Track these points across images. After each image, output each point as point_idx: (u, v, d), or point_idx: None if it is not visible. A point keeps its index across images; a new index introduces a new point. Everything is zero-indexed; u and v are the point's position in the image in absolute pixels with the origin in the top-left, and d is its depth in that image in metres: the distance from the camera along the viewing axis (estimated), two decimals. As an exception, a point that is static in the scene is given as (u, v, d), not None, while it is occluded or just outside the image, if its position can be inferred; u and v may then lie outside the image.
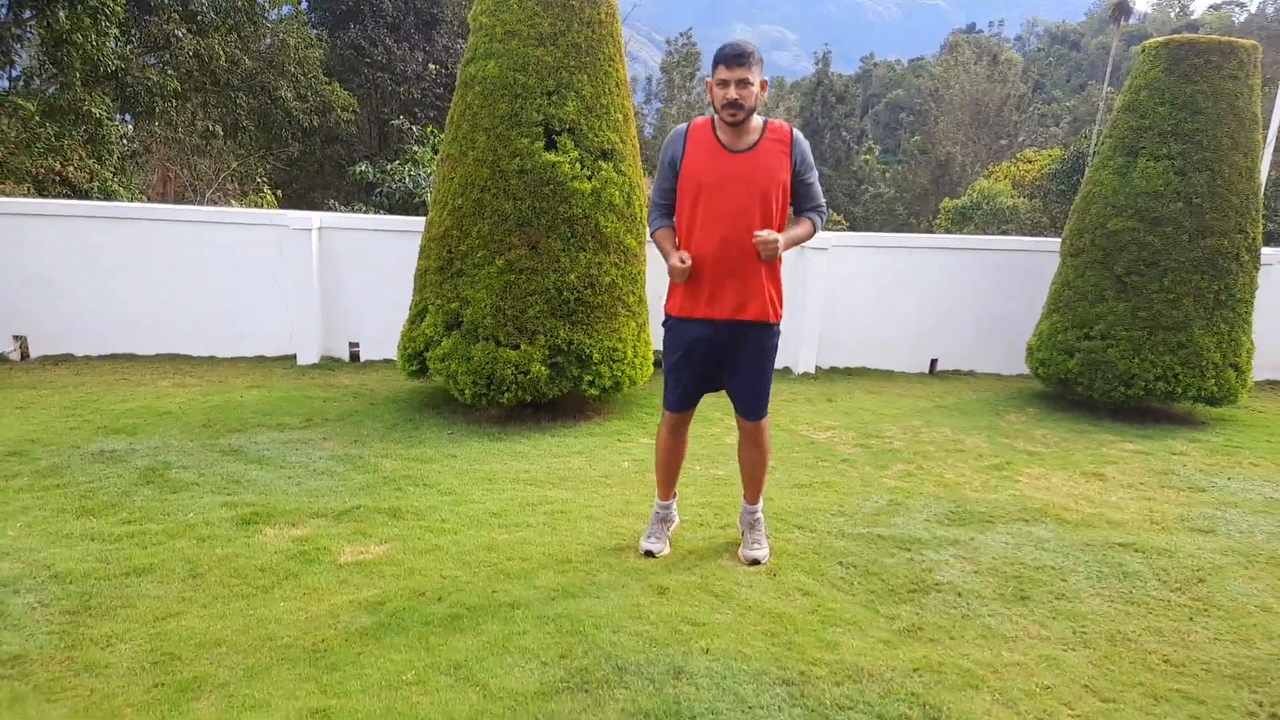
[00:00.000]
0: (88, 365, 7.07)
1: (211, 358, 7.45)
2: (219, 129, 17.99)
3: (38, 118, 13.04)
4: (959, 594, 3.47)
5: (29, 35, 13.95)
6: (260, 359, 7.50)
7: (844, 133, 46.21)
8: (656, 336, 6.13)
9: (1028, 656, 3.02)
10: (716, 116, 3.42)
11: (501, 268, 5.46)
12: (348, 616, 3.09)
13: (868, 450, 5.52)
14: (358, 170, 14.91)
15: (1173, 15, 76.23)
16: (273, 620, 3.04)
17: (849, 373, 7.99)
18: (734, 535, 3.93)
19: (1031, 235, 24.99)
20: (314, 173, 23.09)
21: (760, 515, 3.84)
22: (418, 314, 5.89)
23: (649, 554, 3.68)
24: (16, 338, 7.22)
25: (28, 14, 13.66)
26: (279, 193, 19.56)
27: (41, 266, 7.16)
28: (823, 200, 3.63)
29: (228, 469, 4.62)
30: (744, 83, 3.26)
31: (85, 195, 12.97)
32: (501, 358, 5.43)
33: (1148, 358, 6.29)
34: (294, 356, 7.47)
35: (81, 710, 2.51)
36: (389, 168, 14.76)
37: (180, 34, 15.54)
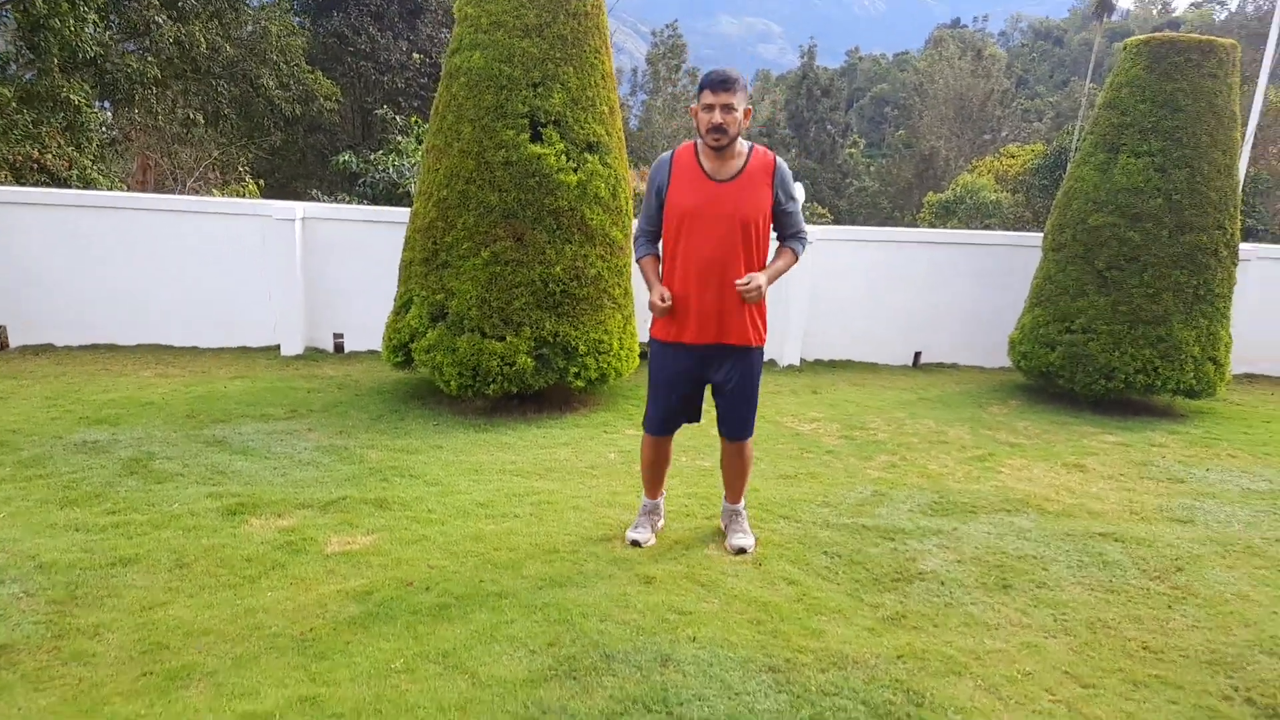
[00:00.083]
0: (68, 355, 7.01)
1: (194, 348, 7.40)
2: (200, 117, 17.79)
3: (14, 104, 12.86)
4: (942, 583, 3.51)
5: (5, 20, 13.74)
6: (244, 349, 7.46)
7: (829, 126, 46.26)
8: (642, 328, 6.16)
9: (1009, 644, 3.06)
10: (700, 142, 3.44)
11: (487, 259, 5.46)
12: (335, 606, 3.09)
13: (852, 442, 5.57)
14: (341, 160, 14.82)
15: (1155, 12, 76.74)
16: (260, 610, 3.04)
17: (834, 365, 8.04)
18: (720, 525, 3.96)
19: (1014, 229, 25.17)
20: (296, 162, 22.90)
21: (743, 511, 3.88)
22: (403, 305, 5.88)
23: (635, 543, 3.71)
24: (-5, 327, 7.15)
25: (4, -1, 13.46)
26: (261, 182, 19.39)
27: (21, 255, 7.09)
28: (804, 228, 3.69)
29: (212, 460, 4.60)
30: (728, 108, 3.30)
31: (64, 183, 12.82)
32: (487, 349, 5.43)
33: (1128, 351, 6.36)
34: (278, 347, 7.43)
35: (70, 699, 2.51)
36: (372, 158, 14.67)
37: (160, 20, 15.35)
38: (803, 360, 7.98)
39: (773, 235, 3.61)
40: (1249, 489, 4.94)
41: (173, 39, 15.73)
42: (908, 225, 34.32)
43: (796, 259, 3.66)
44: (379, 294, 6.61)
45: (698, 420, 3.76)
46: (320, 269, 7.45)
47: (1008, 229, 25.49)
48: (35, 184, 12.28)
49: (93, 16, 13.35)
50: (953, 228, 26.03)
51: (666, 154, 3.58)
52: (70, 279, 7.18)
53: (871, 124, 61.48)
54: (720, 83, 3.30)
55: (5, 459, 4.47)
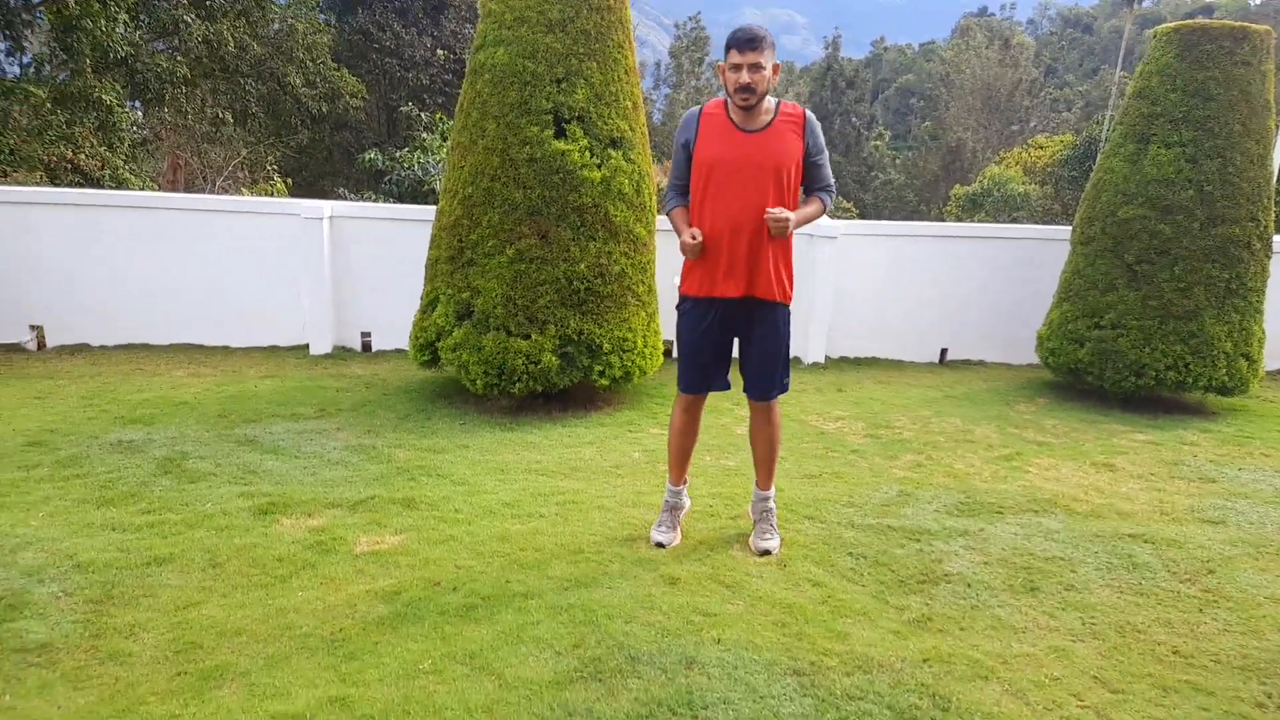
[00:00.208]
0: (103, 355, 7.14)
1: (225, 348, 7.51)
2: (228, 116, 18.02)
3: (49, 105, 13.10)
4: (968, 585, 3.49)
5: (39, 21, 13.98)
6: (273, 349, 7.56)
7: (854, 118, 45.92)
8: (666, 326, 6.17)
9: (1037, 647, 3.04)
10: (729, 100, 3.44)
11: (512, 257, 5.49)
12: (365, 606, 3.13)
13: (877, 441, 5.54)
14: (367, 158, 14.94)
15: (1187, -2, 75.33)
16: (291, 609, 3.09)
17: (858, 363, 8.00)
18: (744, 526, 3.97)
19: (1043, 222, 24.86)
20: (323, 160, 23.12)
21: (772, 504, 3.86)
22: (429, 304, 5.92)
23: (659, 545, 3.72)
24: (33, 328, 7.29)
25: (37, 0, 13.69)
26: (288, 180, 19.61)
27: (57, 256, 7.22)
28: (832, 180, 3.67)
29: (244, 459, 4.67)
30: (756, 67, 3.29)
31: (97, 183, 13.04)
32: (512, 348, 5.46)
33: (1158, 347, 6.28)
34: (307, 346, 7.52)
35: (107, 698, 2.57)
36: (398, 155, 14.78)
37: (189, 20, 15.55)
38: (827, 358, 7.95)
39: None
40: (1283, 488, 4.86)
41: (201, 38, 15.92)
42: (934, 219, 34.01)
43: (825, 209, 3.65)
44: (405, 292, 6.67)
45: (727, 387, 3.74)
46: (347, 268, 7.52)
47: (1036, 222, 25.20)
48: (69, 184, 12.50)
49: (123, 16, 13.54)
50: (980, 221, 25.76)
51: (695, 109, 3.58)
52: (104, 279, 7.31)
53: (897, 116, 60.91)
54: (748, 41, 3.29)
55: (44, 459, 4.57)
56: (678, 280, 3.71)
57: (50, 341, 7.33)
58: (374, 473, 4.54)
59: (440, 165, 13.36)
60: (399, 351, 7.53)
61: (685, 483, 3.92)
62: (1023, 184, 28.09)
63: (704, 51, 42.85)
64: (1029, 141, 34.26)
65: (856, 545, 3.83)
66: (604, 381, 5.72)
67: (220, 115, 17.80)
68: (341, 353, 7.52)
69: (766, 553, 3.70)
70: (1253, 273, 6.34)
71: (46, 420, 5.27)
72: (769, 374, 3.66)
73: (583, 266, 5.54)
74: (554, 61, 5.52)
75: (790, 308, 3.66)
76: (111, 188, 12.83)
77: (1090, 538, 4.02)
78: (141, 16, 15.29)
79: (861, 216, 34.08)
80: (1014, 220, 25.42)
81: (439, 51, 22.29)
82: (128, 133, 14.95)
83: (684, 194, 3.63)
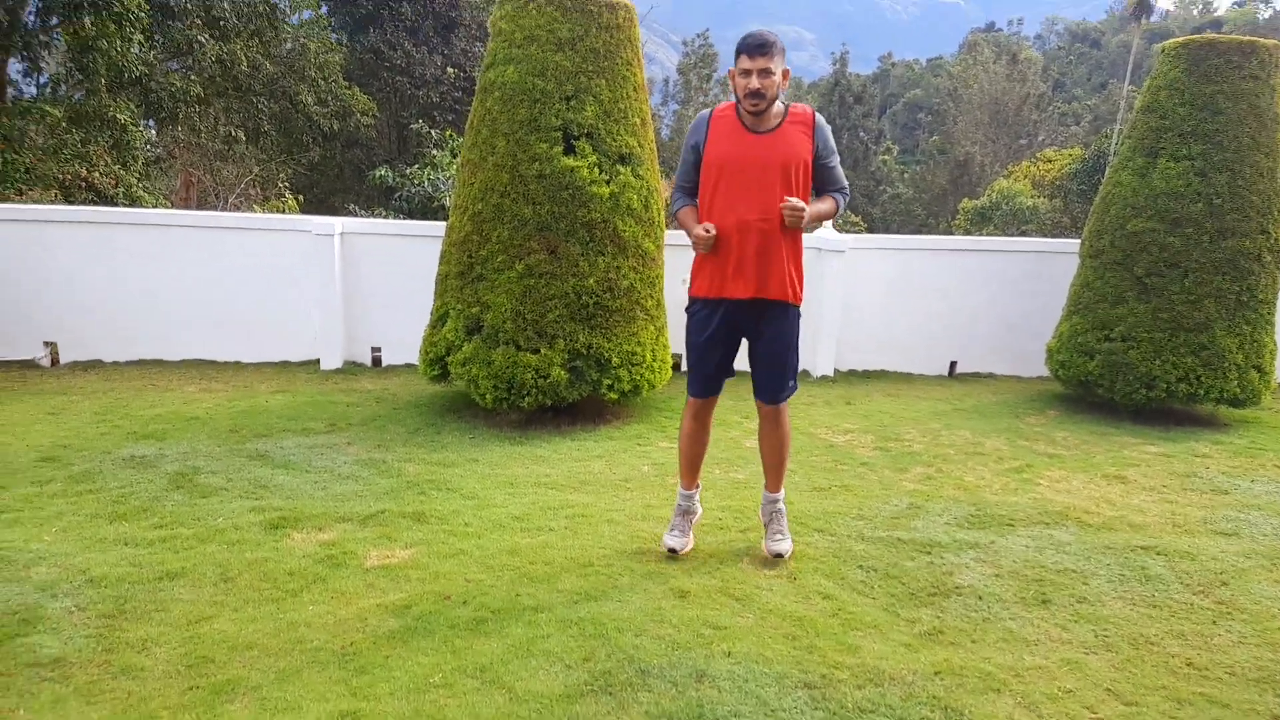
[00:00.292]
0: (116, 370, 7.19)
1: (237, 363, 7.56)
2: (241, 134, 18.20)
3: (64, 124, 13.26)
4: (980, 597, 3.48)
5: (56, 42, 14.18)
6: (284, 364, 7.60)
7: (862, 133, 46.04)
8: (675, 340, 6.18)
9: (1049, 660, 3.03)
10: (739, 105, 3.46)
11: (521, 272, 5.52)
12: (375, 620, 3.14)
13: (887, 453, 5.53)
14: (377, 174, 15.06)
15: (1195, 13, 75.42)
16: (303, 624, 3.10)
17: (867, 375, 7.99)
18: (754, 539, 3.96)
19: (1052, 235, 24.84)
20: (334, 177, 23.31)
21: (782, 506, 3.85)
22: (439, 319, 5.96)
23: (672, 551, 3.72)
24: (47, 344, 7.36)
25: (54, 21, 13.88)
26: (300, 197, 19.76)
27: (71, 274, 7.29)
28: (845, 183, 3.67)
29: (255, 474, 4.69)
30: (766, 72, 3.32)
31: (111, 201, 13.17)
32: (521, 362, 5.48)
33: (1169, 359, 6.25)
34: (317, 361, 7.56)
35: (120, 713, 2.58)
36: (408, 172, 14.89)
37: (203, 39, 15.74)
38: (836, 371, 7.94)
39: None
40: (1297, 501, 4.82)
41: (215, 57, 16.11)
42: (943, 232, 34.00)
43: (838, 208, 3.65)
44: (415, 307, 6.71)
45: (732, 374, 3.74)
46: (358, 283, 7.57)
47: (1046, 235, 25.16)
48: (83, 202, 12.63)
49: (138, 37, 13.71)
50: (989, 234, 25.74)
51: (705, 111, 3.60)
52: (118, 296, 7.37)
53: (905, 130, 61.02)
54: (758, 47, 3.32)
55: (57, 474, 4.60)
56: (686, 280, 3.72)
57: (64, 358, 7.39)
58: (384, 487, 4.55)
59: (450, 182, 13.46)
60: (409, 366, 7.56)
61: (697, 486, 3.91)
62: (1031, 197, 28.08)
63: (712, 68, 43.10)
64: (1037, 155, 34.28)
65: (867, 558, 3.82)
66: (613, 395, 5.73)
67: (233, 133, 17.99)
68: (352, 367, 7.56)
69: (779, 555, 3.69)
70: (1263, 285, 6.32)
71: (60, 436, 5.31)
72: (779, 375, 3.65)
73: (592, 281, 5.56)
74: (563, 79, 5.57)
75: (800, 309, 3.66)
76: (125, 205, 12.96)
77: (1102, 550, 4.00)
78: (156, 37, 15.49)
79: (870, 230, 34.07)
80: (1023, 233, 25.39)
81: (449, 69, 22.48)
82: (142, 151, 15.12)
83: (691, 195, 3.64)
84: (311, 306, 7.50)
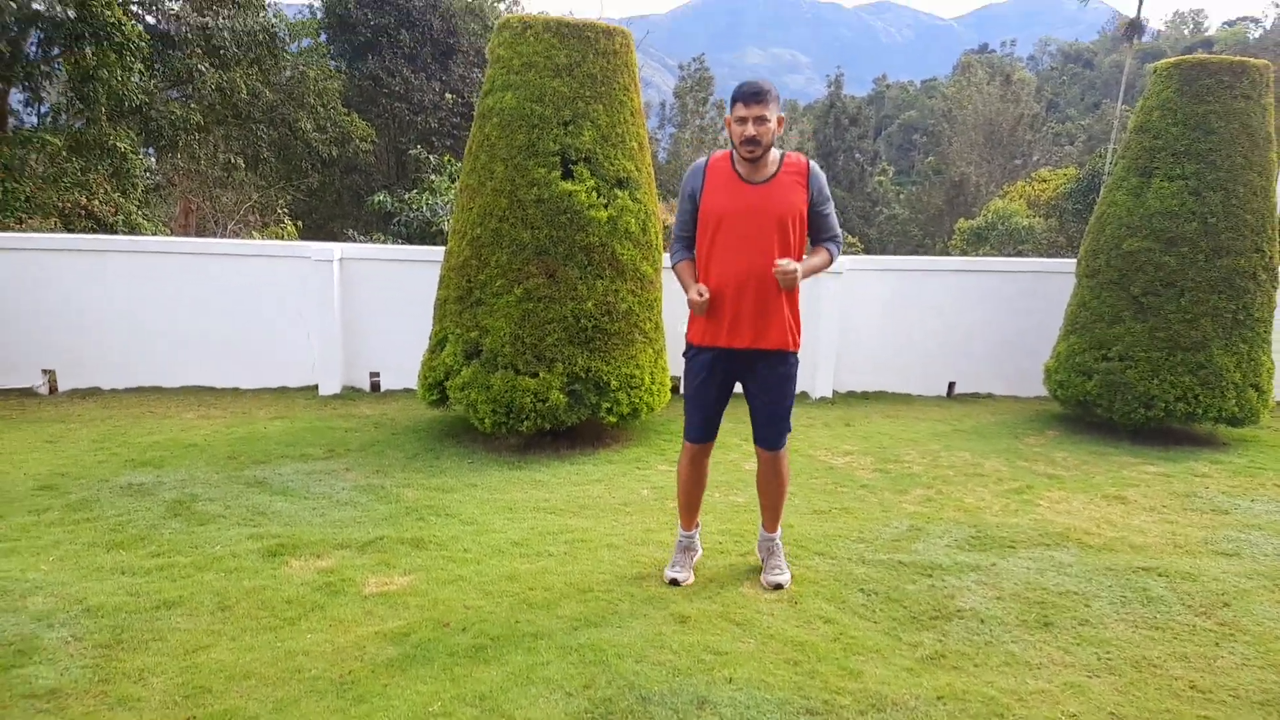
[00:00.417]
0: (114, 398, 7.19)
1: (235, 389, 7.55)
2: (240, 161, 18.30)
3: (64, 152, 13.34)
4: (981, 620, 3.46)
5: (57, 72, 14.29)
6: (283, 390, 7.60)
7: (857, 154, 46.34)
8: (674, 363, 6.18)
9: (1052, 684, 3.01)
10: (735, 152, 3.49)
11: (520, 296, 5.53)
12: (374, 648, 3.12)
13: (887, 475, 5.52)
14: (376, 200, 15.13)
15: (1186, 33, 76.14)
16: (300, 652, 3.08)
17: (866, 397, 8.00)
18: (755, 562, 3.95)
19: (1048, 255, 24.92)
20: (333, 203, 23.41)
21: (779, 542, 3.86)
22: (438, 343, 5.96)
23: (674, 582, 3.71)
24: (45, 371, 7.35)
25: (56, 51, 14.00)
26: (299, 223, 19.84)
27: (69, 301, 7.30)
28: (839, 231, 3.70)
29: (253, 501, 4.68)
30: (761, 119, 3.36)
31: (110, 228, 13.23)
32: (520, 386, 5.49)
33: (1167, 379, 6.26)
34: (316, 387, 7.56)
35: (115, 743, 2.56)
36: (407, 197, 14.97)
37: (203, 68, 15.87)
38: (835, 392, 7.95)
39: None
40: (1298, 520, 4.81)
41: (214, 86, 16.23)
42: (939, 253, 34.12)
43: (832, 259, 3.68)
44: (414, 332, 6.72)
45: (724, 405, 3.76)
46: (357, 308, 7.59)
47: (1042, 254, 25.24)
48: (83, 230, 12.68)
49: (138, 66, 13.83)
50: (985, 254, 25.83)
51: (701, 160, 3.64)
52: (116, 323, 7.38)
53: (900, 151, 61.41)
54: (753, 95, 3.36)
55: (55, 502, 4.59)
56: (684, 328, 3.74)
57: (62, 385, 7.39)
58: (383, 513, 4.54)
59: (448, 206, 13.53)
60: (408, 391, 7.56)
61: (697, 526, 3.92)
62: (1027, 217, 28.20)
63: (708, 91, 43.42)
64: (1032, 175, 34.47)
65: (868, 581, 3.81)
66: (612, 419, 5.73)
67: (232, 160, 18.09)
68: (350, 393, 7.56)
69: (778, 587, 3.68)
70: (1259, 303, 6.35)
71: (57, 464, 5.30)
72: (778, 421, 3.67)
73: (590, 305, 5.58)
74: (561, 104, 5.61)
75: (798, 355, 3.68)
76: (125, 233, 13.01)
77: (1103, 571, 3.98)
78: (156, 66, 15.63)
79: (866, 251, 34.20)
80: (1019, 253, 25.48)
81: (447, 95, 22.66)
82: (141, 179, 15.19)
83: (689, 246, 3.67)
84: (310, 332, 7.50)
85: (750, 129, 3.35)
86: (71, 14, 11.59)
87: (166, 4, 15.73)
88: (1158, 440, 6.48)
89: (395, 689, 2.86)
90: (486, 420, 5.54)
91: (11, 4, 10.83)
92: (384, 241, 14.50)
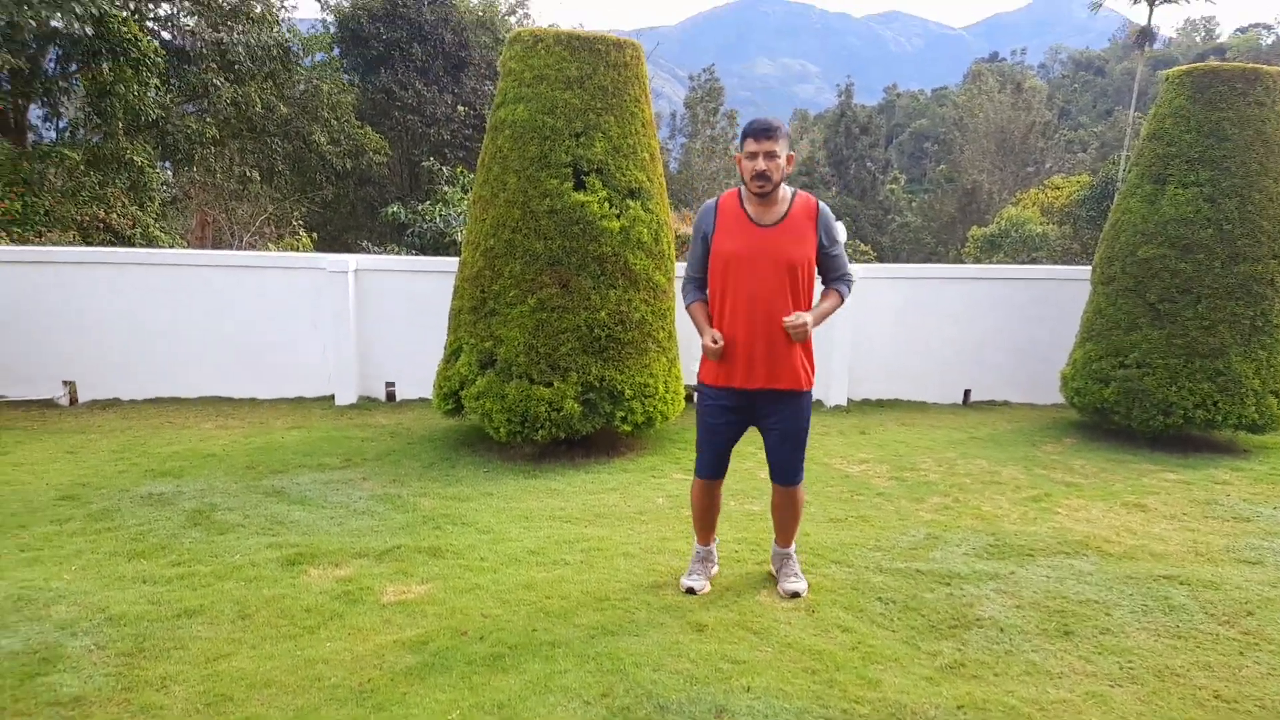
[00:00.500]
0: (134, 409, 7.25)
1: (252, 399, 7.60)
2: (255, 174, 18.47)
3: (83, 167, 13.50)
4: (1001, 629, 3.44)
5: (75, 87, 14.48)
6: (300, 400, 7.64)
7: (868, 163, 46.27)
8: (688, 371, 6.19)
9: (1074, 693, 2.99)
10: (744, 189, 3.51)
11: (533, 306, 5.56)
12: (392, 656, 3.13)
13: (903, 483, 5.51)
14: (390, 211, 15.23)
15: (1198, 39, 75.81)
16: (320, 660, 3.09)
17: (881, 405, 7.97)
18: (770, 570, 3.94)
19: (1062, 262, 24.81)
20: (347, 214, 23.57)
21: (793, 554, 3.87)
22: (452, 353, 5.99)
23: (690, 591, 3.71)
24: (66, 383, 7.43)
25: (74, 67, 14.19)
26: (314, 235, 19.98)
27: (89, 314, 7.38)
28: (849, 270, 3.72)
29: (271, 510, 4.71)
30: (771, 154, 3.38)
31: (128, 241, 13.35)
32: (535, 395, 5.50)
33: (1185, 385, 6.22)
34: (332, 397, 7.60)
35: (139, 751, 2.57)
36: (420, 208, 15.06)
37: (218, 83, 16.04)
38: (850, 401, 7.93)
39: (817, 281, 3.65)
40: (1320, 527, 4.77)
41: (230, 100, 16.41)
42: (952, 260, 34.03)
43: (843, 301, 3.70)
44: (429, 342, 6.75)
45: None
46: (372, 319, 7.63)
47: (1055, 262, 25.13)
48: (101, 243, 12.80)
49: (155, 81, 13.99)
50: (999, 262, 25.74)
51: (711, 201, 3.66)
52: (135, 335, 7.45)
53: (912, 160, 61.33)
54: (763, 131, 3.39)
55: (76, 513, 4.63)
56: (696, 368, 3.74)
57: (82, 396, 7.46)
58: (400, 522, 4.56)
59: (461, 217, 13.60)
60: (423, 401, 7.59)
61: (714, 540, 3.93)
62: (1041, 224, 28.10)
63: (718, 101, 43.46)
64: (1045, 182, 34.35)
65: (886, 590, 3.79)
66: (626, 427, 5.73)
67: (247, 173, 18.26)
68: (366, 403, 7.59)
69: (795, 595, 3.67)
70: (1277, 309, 6.30)
71: (78, 474, 5.35)
72: (792, 459, 3.67)
73: (603, 314, 5.60)
74: (573, 116, 5.65)
75: (812, 392, 3.68)
76: (142, 245, 13.13)
77: (1124, 580, 3.95)
78: (172, 80, 15.81)
79: (879, 259, 34.15)
80: (1033, 260, 25.38)
81: (459, 108, 22.81)
82: (158, 192, 15.35)
83: (702, 286, 3.68)
84: (326, 343, 7.55)
85: (760, 164, 3.37)
86: (89, 31, 11.75)
87: (182, 20, 15.94)
88: (1177, 447, 6.44)
89: (414, 697, 2.86)
90: (502, 429, 5.56)
91: (31, 22, 10.98)
92: (398, 253, 14.58)
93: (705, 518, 3.83)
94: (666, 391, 5.92)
